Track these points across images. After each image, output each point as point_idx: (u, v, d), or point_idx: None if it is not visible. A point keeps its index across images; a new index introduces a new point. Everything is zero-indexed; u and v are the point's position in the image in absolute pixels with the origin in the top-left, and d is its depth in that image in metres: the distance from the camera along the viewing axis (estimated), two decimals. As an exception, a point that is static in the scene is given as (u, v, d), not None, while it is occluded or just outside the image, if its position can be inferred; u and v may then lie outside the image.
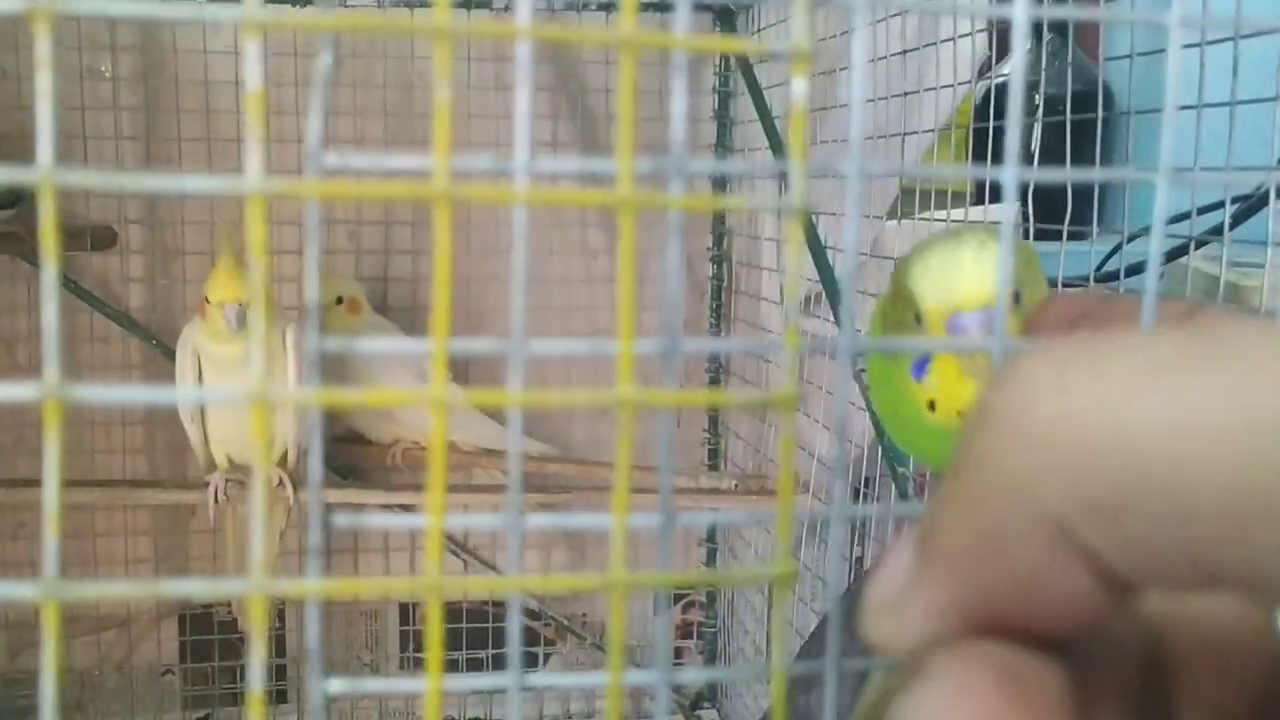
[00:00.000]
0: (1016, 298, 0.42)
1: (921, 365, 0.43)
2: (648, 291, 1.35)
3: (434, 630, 0.20)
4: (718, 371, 1.33)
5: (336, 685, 0.22)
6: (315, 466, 0.21)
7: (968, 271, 0.42)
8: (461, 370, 1.22)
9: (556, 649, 1.40)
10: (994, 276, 0.42)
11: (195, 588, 0.19)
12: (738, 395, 0.21)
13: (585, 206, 0.20)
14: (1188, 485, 0.15)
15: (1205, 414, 0.15)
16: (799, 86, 0.20)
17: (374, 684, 0.22)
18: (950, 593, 0.17)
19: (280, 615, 1.32)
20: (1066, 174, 0.22)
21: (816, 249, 0.97)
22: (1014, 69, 0.22)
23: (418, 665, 1.37)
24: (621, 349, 0.20)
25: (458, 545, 1.33)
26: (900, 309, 0.43)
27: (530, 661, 1.38)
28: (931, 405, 0.43)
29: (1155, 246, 0.22)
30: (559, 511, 1.26)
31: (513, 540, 0.22)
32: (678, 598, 1.39)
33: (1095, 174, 0.23)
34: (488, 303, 1.30)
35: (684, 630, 1.39)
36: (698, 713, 1.36)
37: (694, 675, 0.22)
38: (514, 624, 0.22)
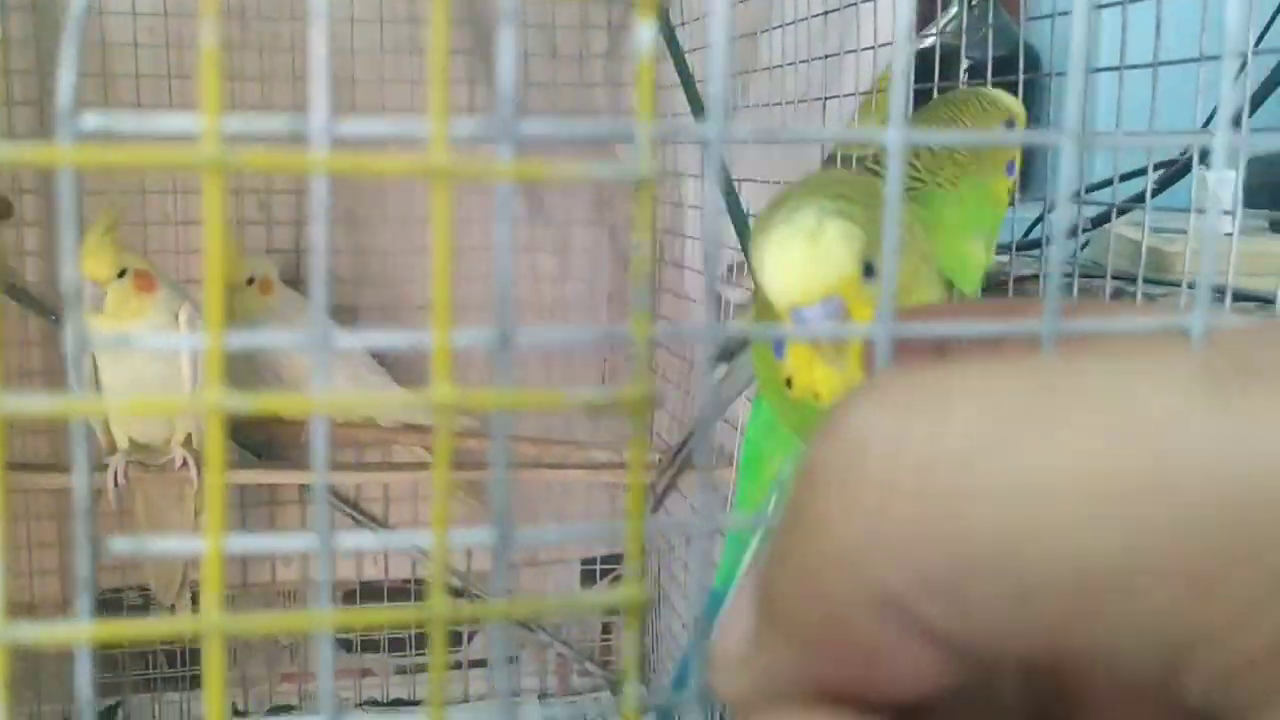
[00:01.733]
0: (869, 269, 0.41)
1: (780, 344, 0.43)
2: (572, 263, 1.32)
3: (214, 675, 0.17)
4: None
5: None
6: (81, 484, 0.18)
7: (801, 264, 0.41)
8: (381, 354, 1.18)
9: (481, 626, 1.38)
10: (830, 260, 0.41)
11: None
12: (582, 393, 0.18)
13: (404, 176, 0.17)
14: (1032, 559, 0.13)
15: (1050, 477, 0.13)
16: (645, 33, 0.17)
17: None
18: (788, 659, 0.15)
19: (195, 598, 1.28)
20: (952, 137, 0.19)
21: (738, 217, 0.95)
22: (900, 21, 0.20)
23: (343, 647, 1.33)
24: (438, 343, 0.18)
25: (361, 512, 1.29)
26: (760, 286, 0.43)
27: (455, 640, 1.35)
28: (789, 382, 0.44)
29: (1061, 216, 0.20)
30: (479, 485, 1.24)
31: (322, 566, 0.19)
32: (605, 571, 1.37)
33: (986, 136, 0.21)
34: (405, 273, 1.26)
35: (614, 609, 1.37)
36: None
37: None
38: (325, 666, 0.19)
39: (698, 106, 1.08)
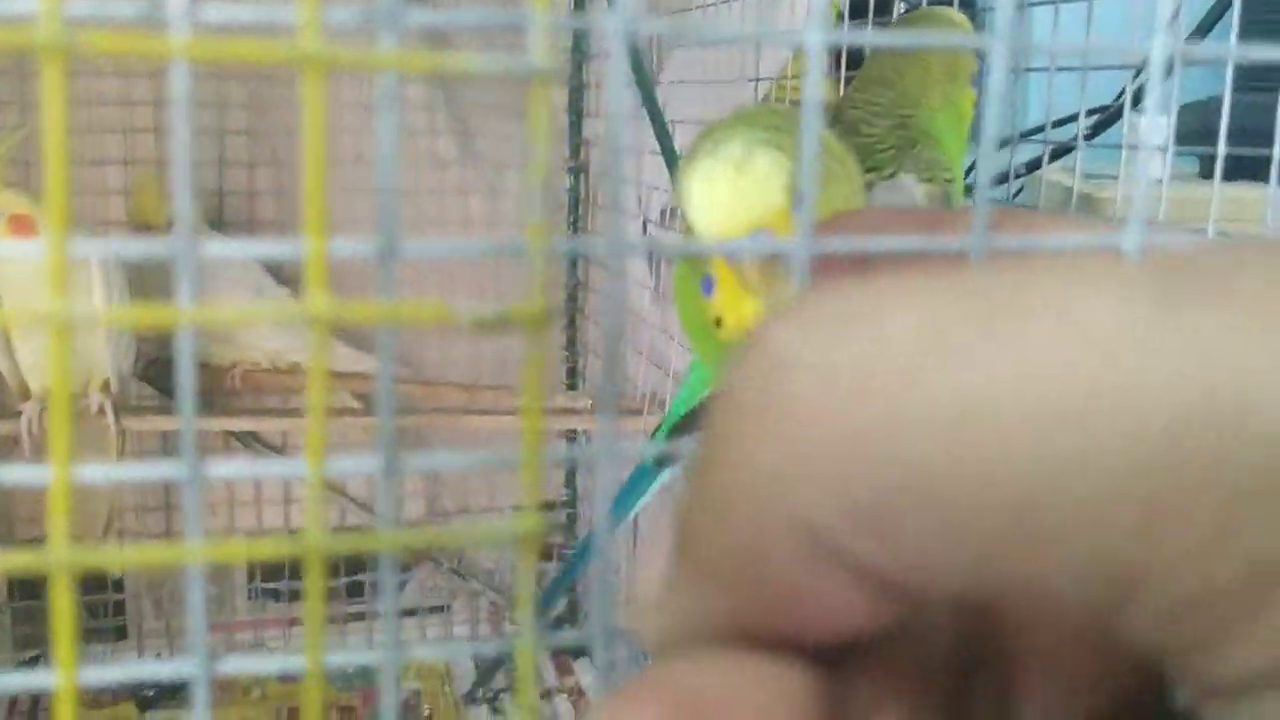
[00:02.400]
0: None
1: (709, 283, 0.42)
2: (504, 208, 1.29)
3: (62, 613, 0.15)
4: (575, 287, 1.29)
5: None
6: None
7: (725, 198, 0.40)
8: (298, 284, 1.15)
9: (412, 574, 1.36)
10: (758, 192, 0.40)
11: None
12: (474, 308, 0.16)
13: (273, 64, 0.15)
14: (969, 486, 0.12)
15: (988, 397, 0.12)
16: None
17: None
18: (707, 600, 0.14)
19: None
20: (879, 38, 0.18)
21: (671, 159, 0.93)
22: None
23: (266, 595, 1.32)
24: (313, 252, 0.16)
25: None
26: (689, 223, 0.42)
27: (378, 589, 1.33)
28: (719, 321, 0.43)
29: (991, 119, 0.18)
30: (406, 434, 1.22)
31: (190, 496, 0.17)
32: (538, 520, 1.36)
33: (922, 38, 0.19)
34: (339, 215, 1.23)
35: (544, 553, 1.37)
36: (563, 656, 1.33)
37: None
38: (196, 606, 0.18)
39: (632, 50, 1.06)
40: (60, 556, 0.15)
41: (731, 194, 0.40)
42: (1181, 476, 0.11)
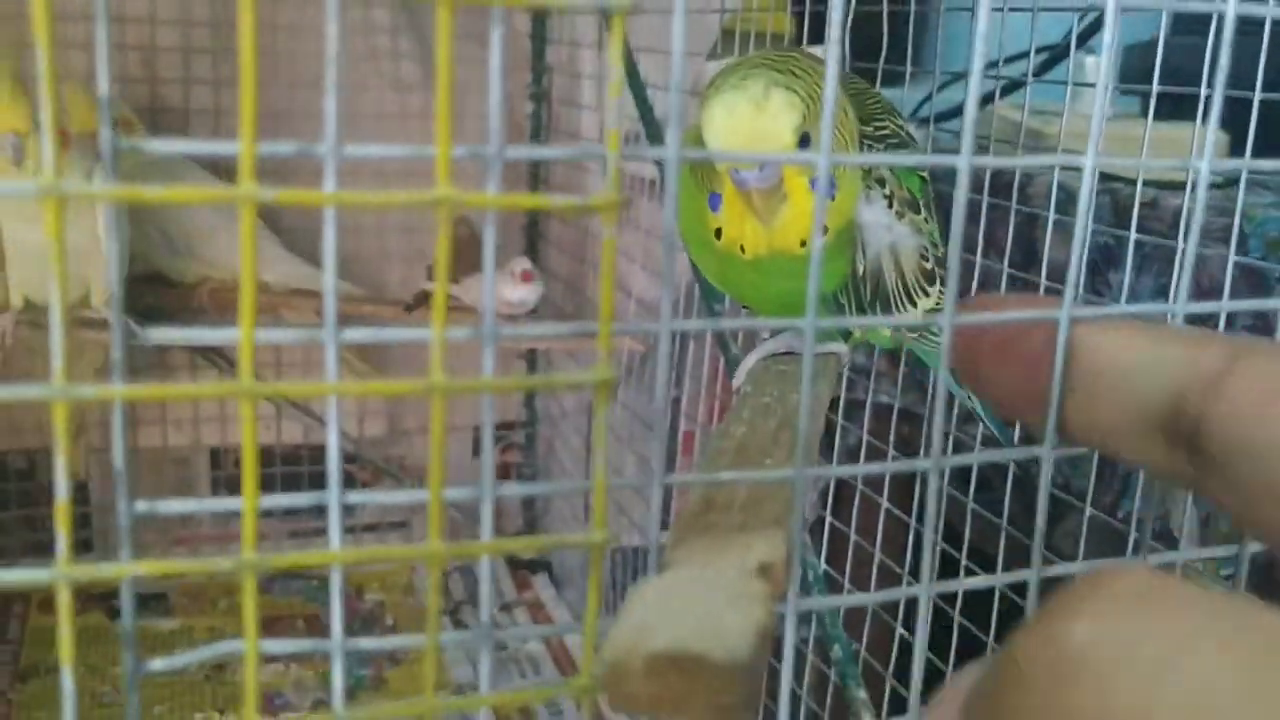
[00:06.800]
0: (805, 140, 0.45)
1: (716, 199, 0.48)
2: (466, 130, 1.31)
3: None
4: (534, 217, 1.31)
5: (142, 506, 0.20)
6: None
7: (745, 127, 0.45)
8: (270, 212, 1.17)
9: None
10: (775, 126, 0.44)
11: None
12: (560, 199, 0.19)
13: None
14: None
15: None
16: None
17: (175, 504, 0.21)
18: None
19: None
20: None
21: (636, 87, 0.95)
22: None
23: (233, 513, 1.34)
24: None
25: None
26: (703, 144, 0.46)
27: (348, 509, 1.37)
28: (718, 233, 0.49)
29: (976, 59, 0.22)
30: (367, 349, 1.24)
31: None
32: (496, 439, 1.39)
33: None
34: (305, 135, 1.24)
35: (502, 472, 1.40)
36: (522, 571, 1.37)
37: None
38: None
39: None
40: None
41: (750, 127, 0.45)
42: None
